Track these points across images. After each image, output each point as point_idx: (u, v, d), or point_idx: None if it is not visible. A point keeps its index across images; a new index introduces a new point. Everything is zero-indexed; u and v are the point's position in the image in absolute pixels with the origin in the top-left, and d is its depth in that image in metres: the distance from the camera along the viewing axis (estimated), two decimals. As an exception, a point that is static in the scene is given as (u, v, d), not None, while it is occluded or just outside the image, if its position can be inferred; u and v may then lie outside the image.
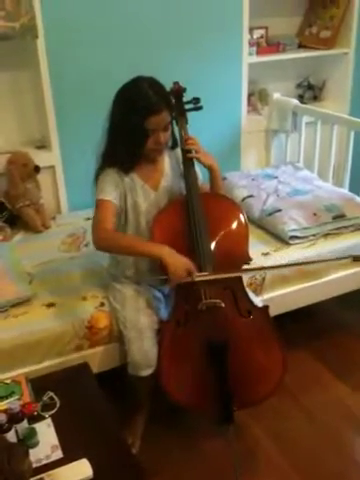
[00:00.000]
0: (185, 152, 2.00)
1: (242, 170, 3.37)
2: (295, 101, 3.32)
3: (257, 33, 3.34)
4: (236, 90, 3.29)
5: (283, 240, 2.53)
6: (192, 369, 1.90)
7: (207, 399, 1.90)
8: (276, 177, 3.06)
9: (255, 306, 1.97)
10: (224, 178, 3.01)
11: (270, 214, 2.65)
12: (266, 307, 1.98)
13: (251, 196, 2.83)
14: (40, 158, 2.81)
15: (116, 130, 1.91)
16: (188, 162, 2.00)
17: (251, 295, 2.05)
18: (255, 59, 3.28)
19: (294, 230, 2.52)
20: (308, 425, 2.21)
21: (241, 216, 2.03)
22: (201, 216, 1.93)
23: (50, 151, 2.88)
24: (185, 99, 2.09)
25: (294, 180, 3.02)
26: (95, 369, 2.01)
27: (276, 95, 3.37)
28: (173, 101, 2.02)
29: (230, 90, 3.27)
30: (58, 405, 1.69)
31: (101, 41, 2.83)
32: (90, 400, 1.76)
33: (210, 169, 2.04)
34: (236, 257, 1.97)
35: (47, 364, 1.98)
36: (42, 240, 2.65)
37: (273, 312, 2.08)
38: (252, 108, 3.51)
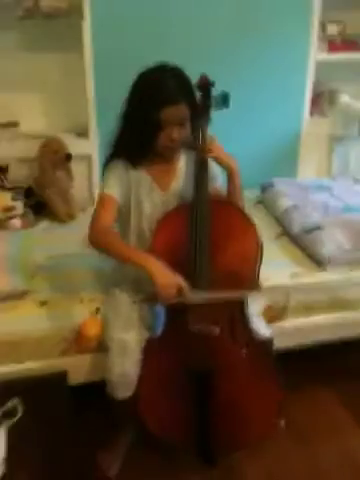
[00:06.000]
0: (199, 151, 1.78)
1: (298, 178, 3.08)
2: (365, 106, 2.98)
3: (331, 29, 3.01)
4: (299, 89, 3.01)
5: (319, 261, 2.23)
6: (173, 398, 1.69)
7: (187, 434, 1.70)
8: (329, 189, 2.74)
9: (255, 337, 1.71)
10: (271, 185, 2.77)
11: (310, 230, 2.35)
12: (270, 341, 1.72)
13: (294, 207, 2.55)
14: (77, 146, 2.70)
15: (129, 117, 1.75)
16: (201, 163, 1.77)
17: (256, 323, 1.78)
18: (325, 56, 2.97)
19: (333, 251, 2.22)
20: (311, 476, 1.92)
21: (253, 234, 1.73)
22: (205, 226, 1.68)
23: (87, 139, 2.77)
24: (212, 94, 1.86)
25: (350, 195, 2.69)
26: (81, 378, 1.88)
27: (344, 97, 3.04)
28: (198, 96, 1.81)
29: (292, 89, 2.99)
30: (19, 415, 1.57)
31: (150, 31, 2.68)
32: (57, 413, 1.64)
33: (228, 170, 1.79)
34: (239, 280, 1.69)
35: (28, 365, 1.86)
36: (65, 231, 2.53)
37: (291, 343, 1.86)
38: (318, 110, 3.19)
